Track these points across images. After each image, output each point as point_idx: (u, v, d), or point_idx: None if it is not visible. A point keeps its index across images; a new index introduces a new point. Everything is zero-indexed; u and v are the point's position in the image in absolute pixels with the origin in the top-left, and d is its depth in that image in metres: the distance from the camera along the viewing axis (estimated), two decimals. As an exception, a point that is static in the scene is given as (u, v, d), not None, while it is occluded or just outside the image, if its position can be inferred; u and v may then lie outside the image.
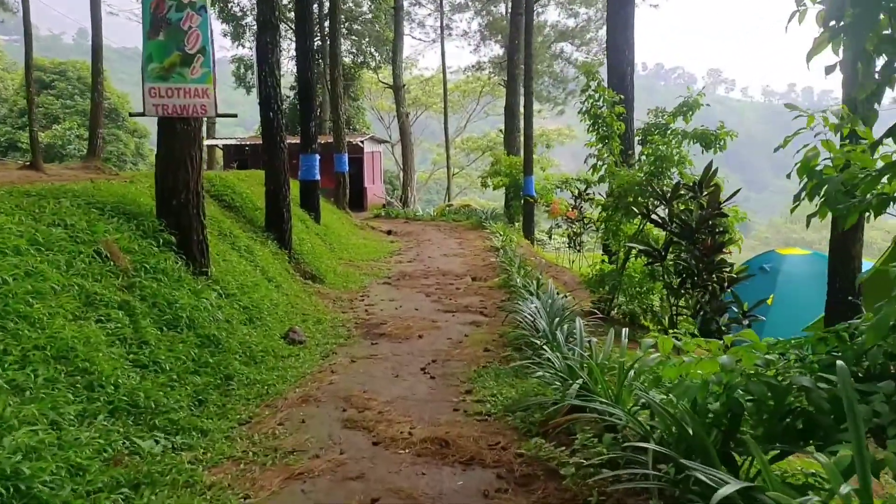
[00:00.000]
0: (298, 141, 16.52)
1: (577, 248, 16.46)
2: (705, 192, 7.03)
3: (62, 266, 5.14)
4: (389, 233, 21.95)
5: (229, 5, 39.55)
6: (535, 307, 7.20)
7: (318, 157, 16.13)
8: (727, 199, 6.89)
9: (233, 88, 45.11)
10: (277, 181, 11.71)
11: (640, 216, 10.43)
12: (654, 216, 7.80)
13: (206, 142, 34.42)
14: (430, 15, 43.26)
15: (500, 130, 45.37)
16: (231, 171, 20.15)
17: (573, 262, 16.82)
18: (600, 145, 10.90)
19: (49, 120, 45.30)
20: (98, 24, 21.34)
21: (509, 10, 40.11)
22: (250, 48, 40.80)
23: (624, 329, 5.18)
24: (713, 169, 7.13)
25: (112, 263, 5.68)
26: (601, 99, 10.69)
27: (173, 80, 6.55)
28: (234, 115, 7.21)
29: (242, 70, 41.21)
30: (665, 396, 3.86)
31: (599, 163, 10.80)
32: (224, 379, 5.70)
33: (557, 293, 8.23)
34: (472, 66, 46.03)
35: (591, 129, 10.98)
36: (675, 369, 3.67)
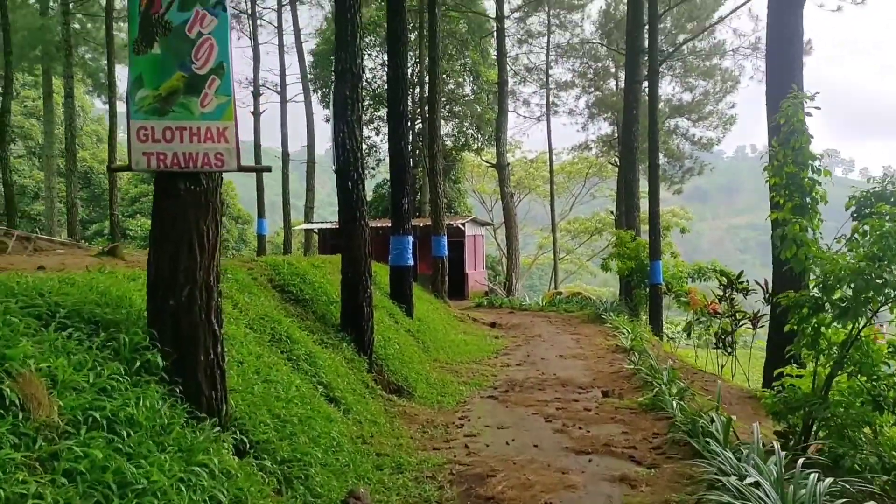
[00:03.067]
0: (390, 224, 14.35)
1: (728, 348, 13.17)
2: None
3: None
4: (493, 325, 19.25)
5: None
6: (753, 485, 4.21)
7: (411, 238, 13.81)
8: None
9: (331, 169, 44.58)
10: (357, 268, 9.34)
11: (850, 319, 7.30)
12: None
13: (302, 226, 33.20)
14: (535, 93, 41.63)
15: (611, 212, 42.48)
16: (309, 255, 18.25)
17: (723, 366, 13.50)
18: (792, 218, 7.91)
19: (156, 207, 46.13)
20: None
21: (621, 84, 37.90)
22: (352, 132, 40.30)
23: None
24: None
25: (26, 414, 3.25)
26: (800, 154, 7.77)
27: (174, 116, 4.26)
28: (268, 169, 4.83)
29: (343, 154, 40.54)
30: None
31: (794, 243, 7.78)
32: None
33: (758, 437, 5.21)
34: (579, 146, 43.73)
35: (781, 194, 8.03)
36: None
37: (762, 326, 13.09)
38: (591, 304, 21.62)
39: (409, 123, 13.63)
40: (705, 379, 12.38)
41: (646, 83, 25.21)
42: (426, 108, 24.66)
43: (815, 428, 7.68)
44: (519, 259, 32.70)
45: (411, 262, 13.90)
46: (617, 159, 39.47)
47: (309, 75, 37.52)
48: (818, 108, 8.17)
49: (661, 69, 33.77)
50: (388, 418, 7.97)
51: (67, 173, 23.98)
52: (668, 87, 43.76)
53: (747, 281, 13.22)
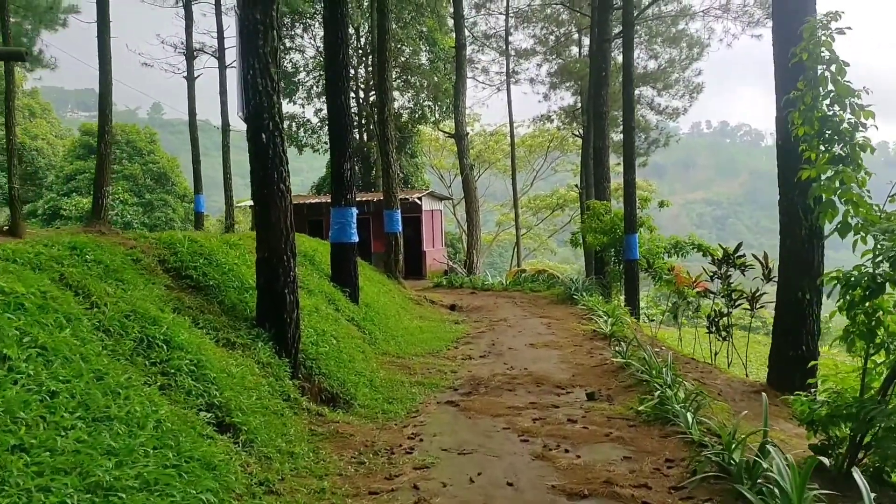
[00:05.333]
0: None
1: (723, 333, 11.42)
2: None
3: None
4: (453, 308, 17.32)
5: (280, 61, 36.96)
6: None
7: (354, 210, 11.71)
8: None
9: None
10: (275, 244, 7.24)
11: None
12: None
13: (247, 203, 30.64)
14: (494, 61, 39.46)
15: (575, 186, 40.69)
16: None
17: (716, 353, 11.77)
18: (830, 173, 6.03)
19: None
20: (106, 64, 17.88)
21: (585, 50, 35.99)
22: (301, 104, 38.01)
23: None
24: None
25: None
26: (834, 91, 5.86)
27: None
28: (20, 57, 2.21)
29: (294, 128, 38.43)
30: None
31: (833, 205, 5.90)
32: None
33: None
34: (540, 118, 41.73)
35: (812, 146, 6.14)
36: None
37: (762, 307, 11.39)
38: (560, 283, 19.81)
39: (349, 76, 11.48)
40: (700, 370, 10.62)
41: (615, 43, 23.43)
42: (376, 69, 22.42)
43: (864, 442, 5.92)
44: (480, 235, 30.77)
45: (355, 238, 11.81)
46: (581, 130, 37.67)
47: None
48: (849, 29, 6.28)
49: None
50: (313, 445, 5.95)
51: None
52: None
53: (744, 255, 11.46)
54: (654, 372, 8.02)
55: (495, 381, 9.18)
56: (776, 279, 11.13)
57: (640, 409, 6.95)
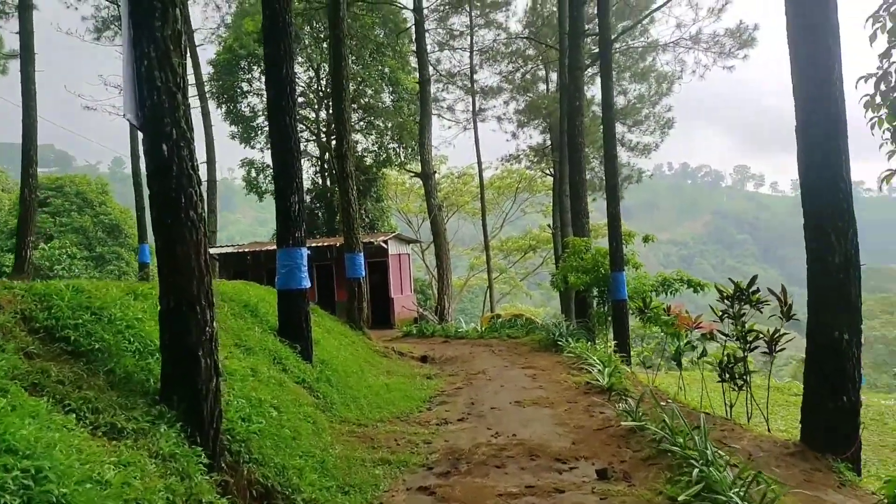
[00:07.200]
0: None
1: (738, 381, 9.77)
2: None
3: None
4: (424, 360, 15.50)
5: (238, 106, 35.68)
6: None
7: (304, 251, 9.93)
8: None
9: (244, 194, 40.74)
10: (184, 289, 5.43)
11: None
12: None
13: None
14: (460, 100, 38.26)
15: (548, 226, 39.38)
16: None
17: (731, 404, 10.08)
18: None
19: (43, 238, 40.95)
20: (30, 100, 16.06)
21: (553, 86, 35.05)
22: (261, 150, 36.45)
23: None
24: None
25: None
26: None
27: None
28: None
29: (254, 173, 36.96)
30: None
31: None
32: None
33: None
34: (509, 157, 40.48)
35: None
36: None
37: (782, 350, 9.78)
38: (540, 328, 18.09)
39: (295, 93, 9.82)
40: (720, 427, 8.90)
41: (589, 71, 22.29)
42: (333, 99, 20.65)
43: None
44: (451, 278, 29.04)
45: (306, 284, 9.99)
46: (552, 168, 36.57)
47: (207, 87, 33.60)
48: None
49: (590, 71, 30.76)
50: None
51: None
52: (599, 92, 41.07)
53: (758, 289, 9.90)
54: (681, 439, 6.29)
55: (479, 455, 7.39)
56: (795, 317, 9.62)
57: (679, 498, 5.17)
